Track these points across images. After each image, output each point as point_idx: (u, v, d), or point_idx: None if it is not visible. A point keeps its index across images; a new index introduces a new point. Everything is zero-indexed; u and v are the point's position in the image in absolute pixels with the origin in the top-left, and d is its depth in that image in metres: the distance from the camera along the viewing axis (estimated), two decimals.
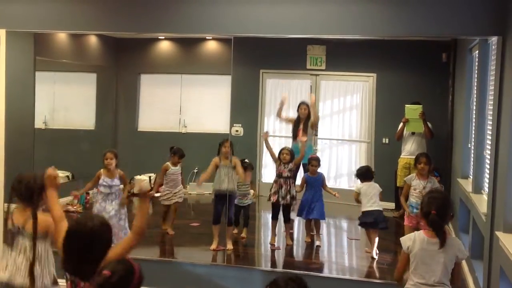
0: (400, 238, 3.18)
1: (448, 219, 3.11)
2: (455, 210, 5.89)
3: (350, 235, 6.35)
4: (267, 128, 7.75)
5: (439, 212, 3.01)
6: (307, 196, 5.83)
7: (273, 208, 5.78)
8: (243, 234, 5.94)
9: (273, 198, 5.68)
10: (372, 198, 5.34)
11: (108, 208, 5.32)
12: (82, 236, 2.44)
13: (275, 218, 5.82)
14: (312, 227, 5.95)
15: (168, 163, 6.07)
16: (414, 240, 3.10)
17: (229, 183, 5.50)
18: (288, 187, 5.66)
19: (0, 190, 5.10)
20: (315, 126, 6.53)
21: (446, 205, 3.09)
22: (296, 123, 6.44)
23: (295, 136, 6.30)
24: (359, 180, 5.45)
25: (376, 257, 5.30)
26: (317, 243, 5.87)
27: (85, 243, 2.43)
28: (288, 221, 5.80)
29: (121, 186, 5.40)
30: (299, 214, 5.87)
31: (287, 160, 5.67)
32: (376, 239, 5.33)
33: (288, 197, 5.65)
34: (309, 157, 5.95)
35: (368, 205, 5.34)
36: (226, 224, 5.54)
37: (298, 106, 6.53)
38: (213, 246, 5.54)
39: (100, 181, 5.36)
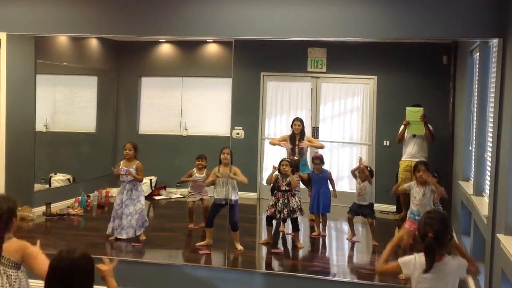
0: (399, 259, 3.00)
1: (446, 241, 2.88)
2: (457, 213, 5.89)
3: (350, 237, 6.34)
4: (267, 131, 7.75)
5: (437, 235, 2.82)
6: (313, 192, 6.17)
7: (268, 217, 5.84)
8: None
9: (270, 212, 5.75)
10: None
11: (124, 198, 5.73)
12: (62, 269, 2.38)
13: (269, 224, 5.88)
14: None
15: (194, 169, 6.31)
16: (414, 265, 2.93)
17: (227, 192, 5.53)
18: (286, 200, 5.68)
19: (1, 192, 5.08)
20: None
21: (444, 228, 2.87)
22: (291, 139, 6.44)
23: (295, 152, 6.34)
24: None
25: None
26: (322, 233, 6.23)
27: (65, 276, 2.37)
28: (297, 230, 5.83)
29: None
30: (311, 211, 6.22)
31: (287, 171, 5.69)
32: None
33: (286, 210, 5.66)
34: (312, 156, 6.30)
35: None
36: (232, 230, 5.55)
37: (292, 122, 6.51)
38: (200, 243, 5.67)
39: (119, 169, 5.74)
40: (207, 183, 5.89)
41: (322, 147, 6.56)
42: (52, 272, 2.40)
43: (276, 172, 5.79)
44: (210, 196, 6.10)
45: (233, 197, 5.56)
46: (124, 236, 5.72)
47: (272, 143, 6.73)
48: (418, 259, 2.93)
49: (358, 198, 5.90)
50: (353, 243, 6.09)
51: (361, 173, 5.91)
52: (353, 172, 6.04)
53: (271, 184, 5.93)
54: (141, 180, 5.83)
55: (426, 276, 2.89)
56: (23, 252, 2.92)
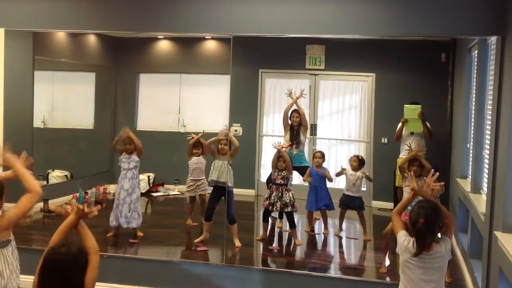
0: (401, 232, 3.07)
1: (436, 229, 2.97)
2: (455, 210, 5.89)
3: (348, 234, 6.35)
4: (265, 128, 7.76)
5: (427, 221, 2.91)
6: (311, 188, 6.16)
7: (264, 212, 5.84)
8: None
9: (264, 204, 5.77)
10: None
11: (125, 186, 5.76)
12: (57, 264, 2.35)
13: (265, 220, 5.89)
14: (315, 218, 6.41)
15: (192, 157, 6.35)
16: (406, 246, 3.00)
17: (223, 176, 5.54)
18: (280, 193, 5.68)
19: None
20: (306, 131, 6.53)
21: (435, 215, 2.96)
22: (290, 130, 6.44)
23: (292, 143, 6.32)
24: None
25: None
26: (324, 231, 6.27)
27: (60, 271, 2.33)
28: (293, 227, 5.83)
29: (138, 162, 5.83)
30: (307, 207, 6.17)
31: (283, 167, 5.70)
32: None
33: (279, 204, 5.66)
34: (314, 152, 6.35)
35: None
36: (229, 223, 5.55)
37: (290, 114, 6.51)
38: (198, 239, 5.66)
39: (121, 157, 5.80)
40: (209, 142, 5.90)
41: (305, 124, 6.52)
42: (48, 265, 2.36)
43: (284, 148, 5.79)
44: (209, 193, 6.10)
45: (230, 183, 5.55)
46: (129, 225, 5.72)
47: (287, 110, 6.59)
48: (412, 243, 3.00)
49: (351, 189, 5.95)
50: (340, 239, 6.16)
51: (353, 162, 5.98)
52: (338, 175, 6.13)
53: (270, 174, 5.94)
54: (140, 151, 5.82)
55: (415, 263, 2.97)
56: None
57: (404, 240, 3.05)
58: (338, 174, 6.13)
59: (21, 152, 3.54)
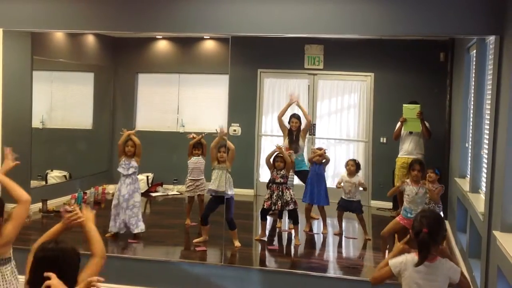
0: (390, 261, 3.01)
1: (440, 239, 2.93)
2: (453, 210, 5.90)
3: (347, 234, 6.35)
4: (264, 127, 7.76)
5: (431, 231, 2.86)
6: (309, 182, 6.16)
7: (262, 210, 5.85)
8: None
9: (266, 204, 5.75)
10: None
11: (123, 191, 5.75)
12: (49, 262, 2.33)
13: (263, 219, 5.89)
14: (314, 218, 6.41)
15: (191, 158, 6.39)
16: (405, 263, 2.96)
17: (222, 185, 5.54)
18: (280, 192, 5.68)
19: None
20: (307, 130, 6.53)
21: (438, 224, 2.92)
22: (289, 135, 6.44)
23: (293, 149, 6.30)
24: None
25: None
26: (323, 231, 6.24)
27: (50, 266, 2.30)
28: (296, 223, 5.82)
29: (137, 168, 5.85)
30: (303, 199, 6.15)
31: (281, 167, 5.70)
32: None
33: (280, 202, 5.66)
34: (316, 148, 6.34)
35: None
36: (229, 228, 5.54)
37: (289, 119, 6.49)
38: (197, 240, 5.67)
39: (120, 162, 5.80)
40: (214, 145, 5.75)
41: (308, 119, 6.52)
42: (38, 262, 2.35)
43: (283, 144, 5.91)
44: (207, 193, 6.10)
45: (229, 191, 5.55)
46: (132, 232, 5.72)
47: (281, 115, 6.58)
48: (409, 258, 2.96)
49: (347, 195, 5.96)
50: (341, 239, 6.15)
51: (350, 167, 5.97)
52: (338, 185, 6.11)
53: (269, 177, 5.94)
54: (139, 156, 5.81)
55: (417, 275, 2.92)
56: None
57: (399, 262, 2.98)
58: (337, 186, 6.12)
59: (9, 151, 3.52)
